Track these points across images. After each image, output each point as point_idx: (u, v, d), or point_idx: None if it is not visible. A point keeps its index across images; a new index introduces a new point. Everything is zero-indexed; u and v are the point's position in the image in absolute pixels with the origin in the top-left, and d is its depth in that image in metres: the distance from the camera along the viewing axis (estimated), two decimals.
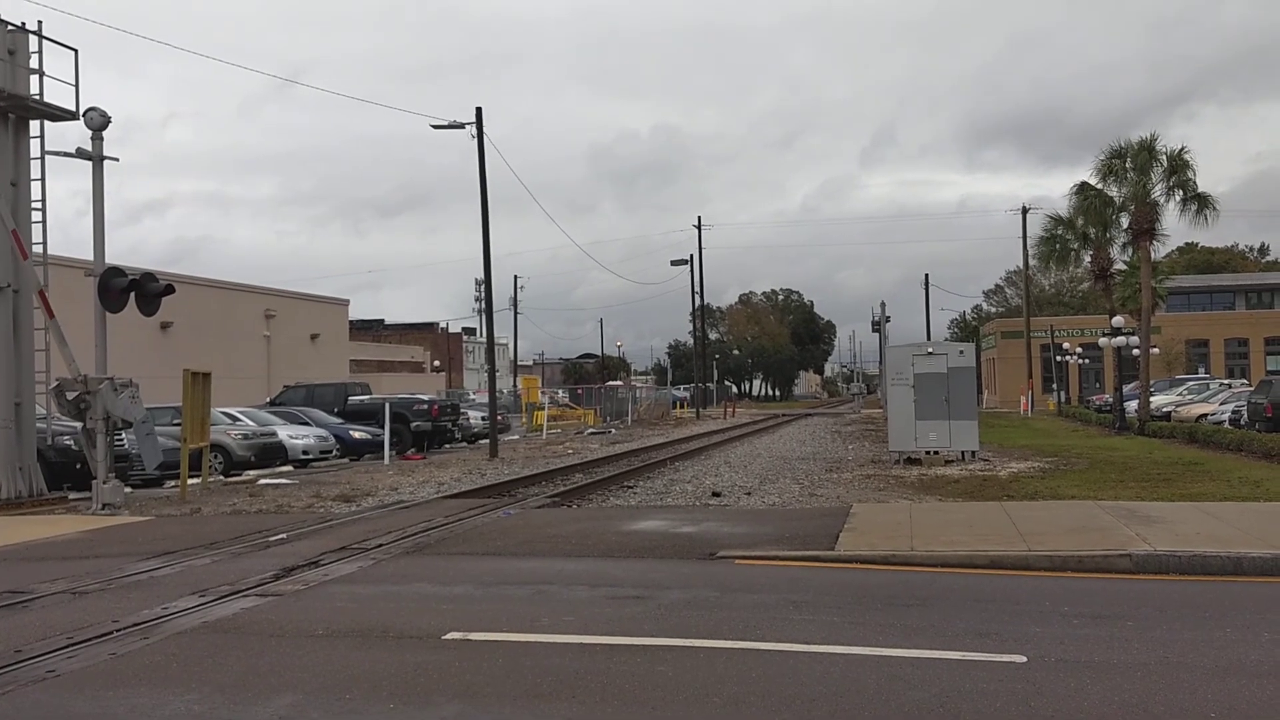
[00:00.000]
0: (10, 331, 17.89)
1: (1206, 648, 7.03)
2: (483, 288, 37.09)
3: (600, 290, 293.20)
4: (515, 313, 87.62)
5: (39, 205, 18.39)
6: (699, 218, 71.58)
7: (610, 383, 77.49)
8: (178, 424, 20.11)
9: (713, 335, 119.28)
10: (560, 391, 66.47)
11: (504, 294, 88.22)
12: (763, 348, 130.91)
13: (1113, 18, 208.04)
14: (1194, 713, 5.67)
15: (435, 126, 30.27)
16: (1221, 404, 34.92)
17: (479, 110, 30.40)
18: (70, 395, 16.98)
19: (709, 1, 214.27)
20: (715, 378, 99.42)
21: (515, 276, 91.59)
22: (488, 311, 33.63)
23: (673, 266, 68.13)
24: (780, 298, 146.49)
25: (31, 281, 17.97)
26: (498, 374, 36.09)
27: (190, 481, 19.03)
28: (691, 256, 67.82)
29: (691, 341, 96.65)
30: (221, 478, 23.13)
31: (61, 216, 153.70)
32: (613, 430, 45.96)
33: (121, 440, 19.21)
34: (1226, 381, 48.23)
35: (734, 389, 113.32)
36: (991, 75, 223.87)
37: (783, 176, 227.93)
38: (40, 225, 18.40)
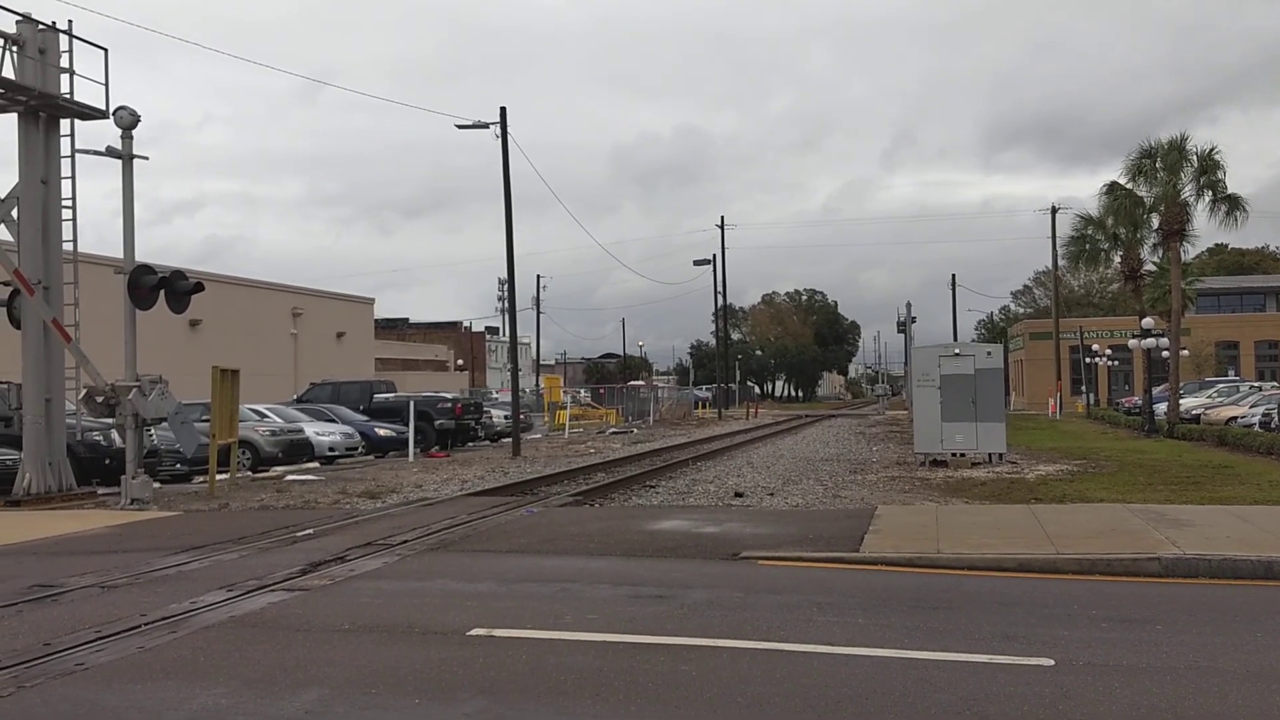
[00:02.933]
0: (40, 330, 18.07)
1: (1236, 652, 6.95)
2: (506, 287, 37.09)
3: (622, 290, 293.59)
4: (538, 312, 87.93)
5: (69, 203, 18.59)
6: (721, 218, 71.22)
7: (632, 382, 77.49)
8: (206, 420, 20.26)
9: (735, 335, 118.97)
10: (582, 391, 66.50)
11: (526, 293, 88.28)
12: (786, 348, 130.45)
13: (1132, 22, 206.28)
14: (1224, 717, 5.61)
15: (460, 126, 30.45)
16: (1252, 407, 34.49)
17: (503, 110, 30.50)
18: (99, 399, 17.29)
19: (726, 4, 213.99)
20: (738, 378, 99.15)
21: (538, 276, 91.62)
22: (510, 311, 33.67)
23: (695, 266, 68.18)
24: (803, 298, 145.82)
25: (58, 288, 18.19)
26: (520, 373, 36.16)
27: (218, 477, 19.17)
28: (714, 256, 67.80)
29: (714, 341, 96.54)
30: (249, 474, 23.29)
31: (98, 217, 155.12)
32: (634, 430, 45.96)
33: (152, 434, 19.40)
34: (1257, 384, 47.64)
35: (757, 390, 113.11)
36: (1010, 77, 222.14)
37: (803, 178, 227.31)
38: (70, 223, 18.61)
